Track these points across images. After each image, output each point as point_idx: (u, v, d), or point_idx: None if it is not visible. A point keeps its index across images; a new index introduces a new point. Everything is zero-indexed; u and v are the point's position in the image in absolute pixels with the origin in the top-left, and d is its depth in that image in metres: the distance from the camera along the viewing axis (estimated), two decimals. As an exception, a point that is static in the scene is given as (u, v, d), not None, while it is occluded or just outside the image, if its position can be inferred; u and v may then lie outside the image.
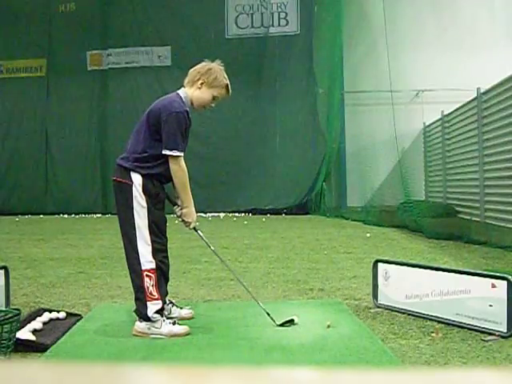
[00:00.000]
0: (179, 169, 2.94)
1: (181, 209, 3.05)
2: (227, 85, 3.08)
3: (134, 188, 2.87)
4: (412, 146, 12.86)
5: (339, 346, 2.63)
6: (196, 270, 4.89)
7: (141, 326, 2.86)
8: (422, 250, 6.04)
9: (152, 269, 2.85)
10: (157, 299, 2.85)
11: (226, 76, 3.08)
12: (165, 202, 3.03)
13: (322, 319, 3.06)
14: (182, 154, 2.93)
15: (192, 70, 3.11)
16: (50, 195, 14.55)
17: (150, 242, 2.86)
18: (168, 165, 2.93)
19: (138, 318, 2.90)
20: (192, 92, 3.04)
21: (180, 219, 3.09)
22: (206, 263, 5.26)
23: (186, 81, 3.08)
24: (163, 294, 2.92)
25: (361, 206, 11.70)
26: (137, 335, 2.85)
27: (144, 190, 2.87)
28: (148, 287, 2.84)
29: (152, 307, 2.84)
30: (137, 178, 2.89)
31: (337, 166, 13.64)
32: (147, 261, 2.85)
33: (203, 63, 3.11)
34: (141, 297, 2.86)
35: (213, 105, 3.12)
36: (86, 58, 14.76)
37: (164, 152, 2.89)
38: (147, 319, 2.84)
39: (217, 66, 3.08)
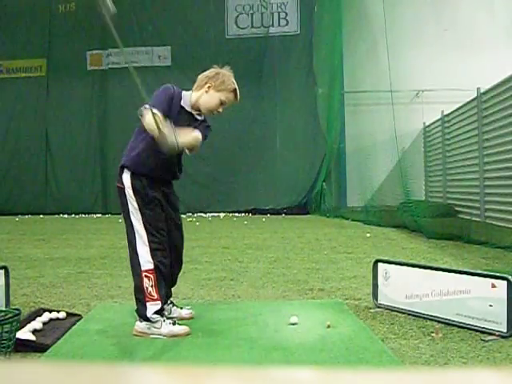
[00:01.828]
0: (145, 121, 2.76)
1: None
2: (235, 89, 3.05)
3: (126, 191, 2.89)
4: (412, 146, 12.86)
5: (339, 346, 2.63)
6: (196, 270, 4.89)
7: (141, 326, 2.86)
8: (422, 250, 6.04)
9: (150, 269, 2.85)
10: (156, 300, 2.85)
11: (234, 81, 3.06)
12: (159, 201, 2.98)
13: (322, 319, 3.06)
14: (157, 112, 2.70)
15: (201, 75, 3.11)
16: (50, 195, 14.56)
17: (147, 243, 2.86)
18: (161, 159, 2.87)
19: (138, 318, 2.90)
20: (199, 96, 3.02)
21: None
22: (206, 263, 5.27)
23: (195, 86, 3.08)
24: (163, 295, 2.91)
25: (361, 206, 11.70)
26: (137, 335, 2.86)
27: (134, 191, 2.88)
28: (147, 288, 2.84)
29: (151, 308, 2.84)
30: (127, 180, 2.89)
31: (337, 166, 13.64)
32: (146, 261, 2.85)
33: (212, 68, 3.11)
34: (140, 297, 2.86)
35: (220, 110, 3.07)
36: (85, 58, 14.77)
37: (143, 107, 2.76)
38: (147, 320, 2.84)
39: (225, 71, 3.08)
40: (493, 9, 13.25)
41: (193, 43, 13.93)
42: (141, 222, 2.86)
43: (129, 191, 2.88)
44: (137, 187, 2.88)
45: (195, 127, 2.98)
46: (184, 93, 3.04)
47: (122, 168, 2.93)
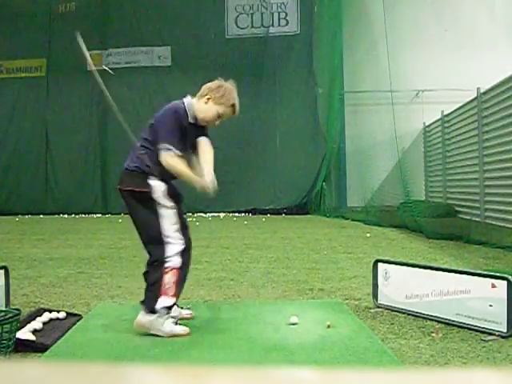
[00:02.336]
0: (169, 164, 2.89)
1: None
2: (234, 104, 3.07)
3: (154, 195, 2.91)
4: (412, 146, 12.86)
5: (339, 346, 2.63)
6: (196, 270, 4.89)
7: (143, 319, 2.86)
8: (422, 250, 6.04)
9: (177, 267, 2.89)
10: (172, 296, 2.88)
11: (235, 96, 3.09)
12: (179, 203, 3.03)
13: (322, 319, 3.06)
14: (172, 153, 2.87)
15: (205, 85, 3.14)
16: (50, 195, 14.55)
17: (177, 242, 2.92)
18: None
19: (144, 310, 2.90)
20: (199, 105, 3.06)
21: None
22: (206, 263, 5.27)
23: (197, 95, 3.13)
24: (179, 294, 2.95)
25: (361, 206, 11.70)
26: (138, 328, 2.85)
27: (163, 195, 2.93)
28: (168, 283, 2.86)
29: (163, 301, 2.86)
30: (155, 184, 2.92)
31: (337, 166, 13.64)
32: (175, 259, 2.89)
33: (216, 81, 3.14)
34: (154, 289, 2.87)
35: (217, 123, 3.11)
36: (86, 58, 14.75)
37: (159, 146, 2.88)
38: (153, 311, 2.85)
39: (228, 85, 3.11)
40: (493, 9, 13.25)
41: (193, 43, 13.92)
42: (171, 223, 2.91)
43: (158, 194, 2.91)
44: (164, 190, 2.93)
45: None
46: (187, 106, 3.04)
47: (146, 174, 2.93)
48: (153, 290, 2.88)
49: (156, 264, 2.91)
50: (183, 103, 3.05)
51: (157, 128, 2.95)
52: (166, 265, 2.87)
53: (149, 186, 2.91)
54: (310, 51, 13.93)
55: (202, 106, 3.05)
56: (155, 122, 3.00)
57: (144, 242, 2.99)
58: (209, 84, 3.12)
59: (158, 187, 2.92)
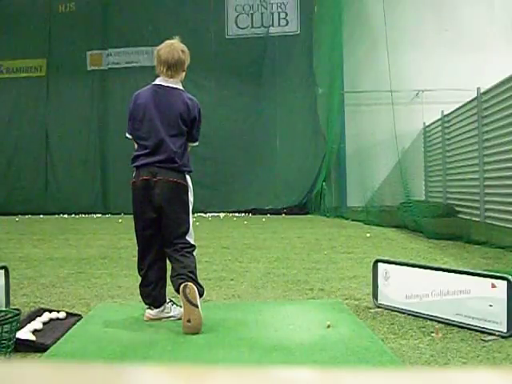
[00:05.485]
0: None
1: None
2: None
3: (189, 190, 3.24)
4: (412, 146, 12.85)
5: (339, 346, 2.63)
6: (196, 269, 4.89)
7: (199, 312, 2.87)
8: (422, 250, 6.04)
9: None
10: None
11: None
12: None
13: (322, 319, 3.06)
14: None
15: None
16: (49, 195, 14.54)
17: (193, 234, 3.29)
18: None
19: (199, 295, 2.94)
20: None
21: None
22: (206, 263, 5.26)
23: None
24: None
25: (361, 206, 11.69)
26: (200, 325, 2.87)
27: (191, 191, 3.30)
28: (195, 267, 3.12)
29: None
30: (189, 181, 3.27)
31: (337, 166, 13.63)
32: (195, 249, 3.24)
33: None
34: (196, 278, 3.03)
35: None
36: (85, 58, 14.76)
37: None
38: (202, 294, 3.04)
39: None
40: (493, 9, 13.24)
41: (193, 43, 13.87)
42: (191, 217, 3.26)
43: (190, 191, 3.24)
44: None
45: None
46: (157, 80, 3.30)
47: (184, 171, 3.20)
48: (197, 279, 3.04)
49: (190, 254, 3.12)
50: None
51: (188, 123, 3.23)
52: (195, 255, 3.17)
53: (186, 179, 3.22)
54: (310, 51, 13.92)
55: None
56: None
57: (178, 234, 3.14)
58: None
59: (189, 182, 3.25)
